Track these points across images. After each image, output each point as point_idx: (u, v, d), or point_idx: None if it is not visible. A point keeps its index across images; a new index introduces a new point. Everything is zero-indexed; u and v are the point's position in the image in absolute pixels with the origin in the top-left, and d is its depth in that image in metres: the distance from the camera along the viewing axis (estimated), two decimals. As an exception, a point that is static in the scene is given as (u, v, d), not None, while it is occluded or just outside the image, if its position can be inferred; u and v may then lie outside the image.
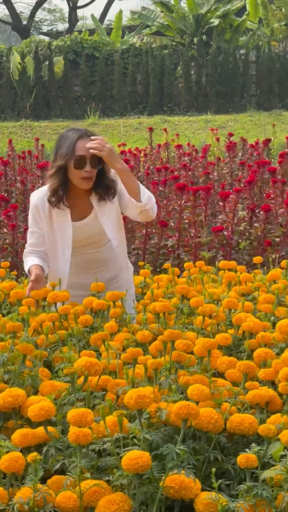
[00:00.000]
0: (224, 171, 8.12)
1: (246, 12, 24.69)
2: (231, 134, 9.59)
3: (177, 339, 2.17)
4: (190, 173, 7.58)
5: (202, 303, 2.80)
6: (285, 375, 2.10)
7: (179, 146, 9.23)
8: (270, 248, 5.10)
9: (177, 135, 12.16)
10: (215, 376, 2.28)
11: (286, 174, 6.54)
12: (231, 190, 6.35)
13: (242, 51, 22.92)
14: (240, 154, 9.29)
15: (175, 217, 5.47)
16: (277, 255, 4.71)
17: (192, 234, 5.23)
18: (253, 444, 1.74)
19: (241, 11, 25.41)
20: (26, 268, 3.39)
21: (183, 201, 5.33)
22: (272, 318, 2.93)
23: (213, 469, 1.63)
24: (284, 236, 5.08)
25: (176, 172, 7.74)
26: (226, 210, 5.35)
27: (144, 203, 3.29)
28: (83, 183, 3.29)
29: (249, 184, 6.02)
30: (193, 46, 22.66)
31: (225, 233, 5.17)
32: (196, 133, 19.29)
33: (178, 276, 3.81)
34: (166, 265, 3.92)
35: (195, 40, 22.64)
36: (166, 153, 9.98)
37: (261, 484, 1.66)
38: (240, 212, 5.69)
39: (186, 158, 8.97)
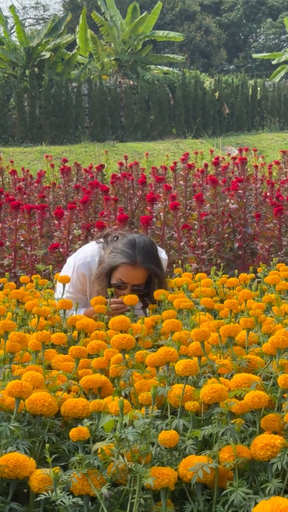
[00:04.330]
0: (59, 194, 8.23)
1: (77, 47, 25.26)
2: (65, 160, 9.74)
3: (10, 330, 2.19)
4: (25, 196, 7.60)
5: (37, 305, 2.84)
6: (115, 359, 2.20)
7: (13, 172, 9.22)
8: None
9: (12, 161, 12.14)
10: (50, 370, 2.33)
11: (118, 194, 6.76)
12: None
13: (74, 84, 23.36)
14: (74, 179, 9.46)
15: (10, 236, 5.47)
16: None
17: (28, 253, 5.25)
18: (85, 420, 1.81)
19: (72, 45, 25.98)
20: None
21: (18, 220, 5.35)
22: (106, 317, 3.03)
23: (47, 445, 1.68)
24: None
25: (11, 196, 7.73)
26: (61, 227, 5.43)
27: None
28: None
29: (84, 204, 6.15)
30: (25, 78, 22.76)
31: (60, 249, 5.25)
32: (32, 164, 19.32)
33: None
34: (2, 279, 3.91)
35: (27, 72, 22.76)
36: (1, 179, 9.94)
37: (93, 454, 1.73)
38: (75, 231, 5.80)
39: (21, 183, 8.99)
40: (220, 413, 1.73)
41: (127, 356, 2.17)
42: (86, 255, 3.36)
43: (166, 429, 1.84)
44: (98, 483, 1.69)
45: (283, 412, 1.79)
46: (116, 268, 3.14)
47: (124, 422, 1.73)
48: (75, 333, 2.86)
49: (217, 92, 26.18)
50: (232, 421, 1.75)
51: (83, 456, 1.69)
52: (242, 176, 5.97)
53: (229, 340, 2.19)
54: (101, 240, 3.40)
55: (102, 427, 1.81)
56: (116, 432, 1.72)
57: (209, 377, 2.04)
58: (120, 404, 1.70)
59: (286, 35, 42.25)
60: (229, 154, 13.94)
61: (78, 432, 1.72)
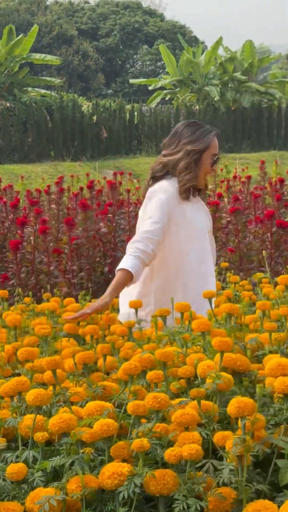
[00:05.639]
0: None
1: None
2: None
3: None
4: None
5: None
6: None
7: None
8: None
9: None
10: None
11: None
12: None
13: None
14: None
15: None
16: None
17: None
18: None
19: None
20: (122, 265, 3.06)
21: None
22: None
23: None
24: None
25: None
26: None
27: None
28: (205, 180, 3.31)
29: None
30: None
31: None
32: None
33: None
34: None
35: None
36: None
37: None
38: None
39: None
40: (67, 443, 1.71)
41: (-21, 387, 2.11)
42: (162, 185, 3.37)
43: (16, 461, 1.79)
44: None
45: (132, 439, 1.79)
46: (210, 145, 3.23)
47: None
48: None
49: (95, 116, 26.41)
50: (82, 450, 1.73)
51: None
52: (112, 200, 6.02)
53: (84, 367, 2.17)
54: (160, 176, 3.44)
55: None
56: None
57: (62, 406, 2.01)
58: None
59: (162, 62, 43.31)
60: (105, 178, 14.06)
61: None
